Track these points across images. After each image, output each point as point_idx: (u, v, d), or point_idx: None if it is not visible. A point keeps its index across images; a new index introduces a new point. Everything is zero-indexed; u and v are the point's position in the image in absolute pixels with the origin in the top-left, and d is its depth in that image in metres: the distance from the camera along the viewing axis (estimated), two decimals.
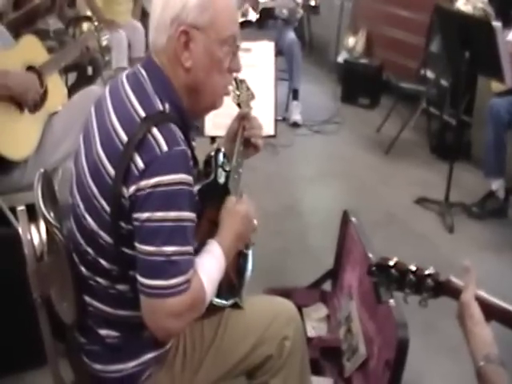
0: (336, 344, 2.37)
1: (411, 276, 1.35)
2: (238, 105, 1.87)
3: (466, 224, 3.81)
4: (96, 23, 3.39)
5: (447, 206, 3.84)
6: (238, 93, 1.86)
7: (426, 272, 1.35)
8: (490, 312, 1.28)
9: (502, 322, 1.29)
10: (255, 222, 1.65)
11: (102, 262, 1.44)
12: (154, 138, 1.32)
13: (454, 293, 1.33)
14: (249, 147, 1.84)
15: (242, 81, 1.90)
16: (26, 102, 2.60)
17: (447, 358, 2.53)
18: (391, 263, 1.36)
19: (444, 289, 1.35)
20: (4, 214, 2.42)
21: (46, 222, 1.47)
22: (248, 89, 1.91)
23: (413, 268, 1.35)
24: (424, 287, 1.34)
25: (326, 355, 2.37)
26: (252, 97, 1.91)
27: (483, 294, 1.32)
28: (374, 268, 1.39)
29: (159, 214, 1.30)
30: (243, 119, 1.83)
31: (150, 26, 1.47)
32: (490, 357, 1.19)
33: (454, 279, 1.35)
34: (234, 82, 1.82)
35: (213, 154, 1.73)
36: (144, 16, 5.96)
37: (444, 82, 4.91)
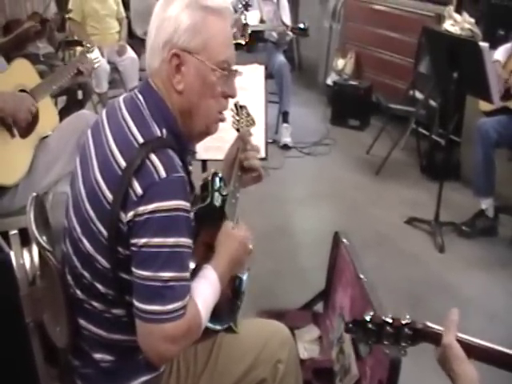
0: (328, 365, 2.36)
1: (388, 328, 1.35)
2: (238, 130, 1.87)
3: (457, 243, 3.83)
4: (88, 45, 3.40)
5: (437, 225, 3.86)
6: (237, 118, 1.87)
7: (403, 322, 1.35)
8: (471, 352, 1.30)
9: (483, 360, 1.31)
10: (251, 247, 1.65)
11: (98, 285, 1.43)
12: (153, 164, 1.33)
13: (432, 338, 1.34)
14: (250, 175, 1.84)
15: (243, 107, 1.90)
16: (18, 121, 2.60)
17: (439, 377, 2.53)
18: (367, 318, 1.36)
19: (422, 335, 1.35)
20: None
21: (39, 245, 1.47)
22: (248, 115, 1.91)
23: (389, 320, 1.35)
24: (402, 337, 1.35)
25: (318, 376, 2.36)
26: (252, 123, 1.91)
27: (463, 335, 1.33)
28: (350, 325, 1.39)
29: (157, 240, 1.31)
30: (241, 144, 1.83)
31: (146, 49, 1.49)
32: None
33: (430, 324, 1.36)
34: (234, 108, 1.83)
35: (210, 178, 1.73)
36: (132, 39, 6.02)
37: (433, 103, 4.97)
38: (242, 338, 1.70)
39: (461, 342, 1.30)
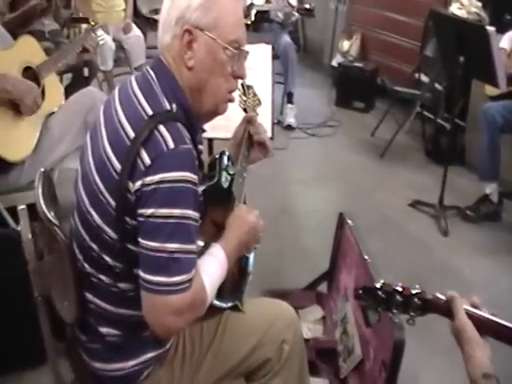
0: (332, 345, 2.39)
1: (398, 296, 1.36)
2: (245, 110, 1.88)
3: (460, 227, 3.84)
4: (93, 23, 3.39)
5: (441, 209, 3.87)
6: (244, 98, 1.87)
7: (413, 291, 1.35)
8: (483, 328, 1.30)
9: (494, 336, 1.31)
10: (261, 235, 1.66)
11: (107, 258, 1.44)
12: (161, 135, 1.34)
13: (441, 309, 1.35)
14: (257, 151, 1.86)
15: (250, 86, 1.91)
16: (24, 107, 2.60)
17: (443, 358, 2.55)
18: (378, 285, 1.37)
19: (431, 306, 1.36)
20: (1, 214, 2.43)
21: (47, 220, 1.48)
22: (255, 95, 1.91)
23: (399, 288, 1.36)
24: (411, 306, 1.35)
25: (321, 356, 2.38)
26: (259, 103, 1.92)
27: (472, 309, 1.33)
28: (360, 291, 1.40)
29: (163, 211, 1.31)
30: (249, 123, 1.85)
31: (158, 26, 1.49)
32: (487, 376, 1.21)
33: (440, 296, 1.37)
34: (241, 87, 1.83)
35: (217, 156, 1.74)
36: (137, 17, 5.99)
37: (438, 86, 4.95)
38: (247, 317, 1.71)
39: (474, 319, 1.30)
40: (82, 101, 2.86)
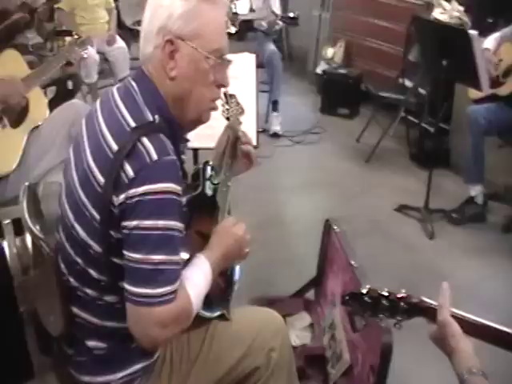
0: (320, 352, 2.39)
1: (384, 301, 1.37)
2: (227, 118, 1.88)
3: (446, 230, 3.86)
4: (76, 36, 3.39)
5: (427, 212, 3.89)
6: (227, 107, 1.87)
7: (399, 295, 1.37)
8: (465, 327, 1.31)
9: (477, 336, 1.33)
10: (247, 251, 1.65)
11: (92, 272, 1.44)
12: (144, 147, 1.34)
13: (427, 312, 1.36)
14: (240, 163, 1.86)
15: (232, 95, 1.90)
16: (10, 107, 2.58)
17: (431, 362, 2.54)
18: (364, 291, 1.38)
19: (417, 310, 1.37)
20: None
21: (33, 235, 1.48)
22: (238, 103, 1.91)
23: (385, 293, 1.37)
24: (397, 310, 1.37)
25: (310, 363, 2.38)
26: (242, 111, 1.91)
27: (457, 310, 1.34)
28: (347, 297, 1.41)
29: (148, 223, 1.31)
30: (232, 133, 1.85)
31: (140, 36, 1.49)
32: (473, 370, 1.22)
33: (426, 299, 1.38)
34: (223, 96, 1.83)
35: (201, 166, 1.74)
36: (121, 29, 5.99)
37: (422, 91, 4.99)
38: (235, 326, 1.71)
39: (455, 317, 1.32)
40: (65, 114, 2.86)
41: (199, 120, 1.55)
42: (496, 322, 1.35)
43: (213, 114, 1.59)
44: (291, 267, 3.30)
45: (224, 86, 1.57)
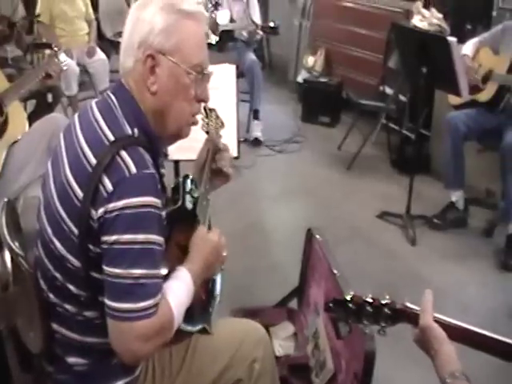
0: (304, 361, 2.39)
1: (368, 307, 1.37)
2: (207, 132, 1.87)
3: (428, 235, 3.89)
4: (56, 48, 3.38)
5: (409, 218, 3.91)
6: (206, 121, 1.87)
7: (383, 302, 1.38)
8: (448, 332, 1.33)
9: (460, 341, 1.34)
10: (225, 255, 1.66)
11: (71, 287, 1.43)
12: (123, 160, 1.34)
13: (411, 318, 1.37)
14: (218, 177, 1.85)
15: (212, 109, 1.90)
16: None
17: (415, 365, 2.55)
18: (347, 297, 1.39)
19: (401, 315, 1.38)
20: None
21: (11, 251, 1.47)
22: (217, 117, 1.91)
23: (369, 299, 1.38)
24: (381, 317, 1.37)
25: (294, 372, 2.38)
26: (221, 125, 1.91)
27: (440, 316, 1.36)
28: (330, 304, 1.41)
29: (127, 237, 1.31)
30: (211, 146, 1.84)
31: (120, 49, 1.49)
32: (456, 374, 1.23)
33: (409, 305, 1.39)
34: (203, 110, 1.84)
35: (181, 180, 1.74)
36: (101, 40, 5.98)
37: (402, 98, 5.03)
38: (216, 338, 1.71)
39: (438, 322, 1.33)
40: (45, 127, 2.85)
41: (179, 135, 1.56)
42: (475, 325, 1.36)
43: (194, 127, 1.60)
44: (272, 275, 3.31)
45: (204, 100, 1.57)
